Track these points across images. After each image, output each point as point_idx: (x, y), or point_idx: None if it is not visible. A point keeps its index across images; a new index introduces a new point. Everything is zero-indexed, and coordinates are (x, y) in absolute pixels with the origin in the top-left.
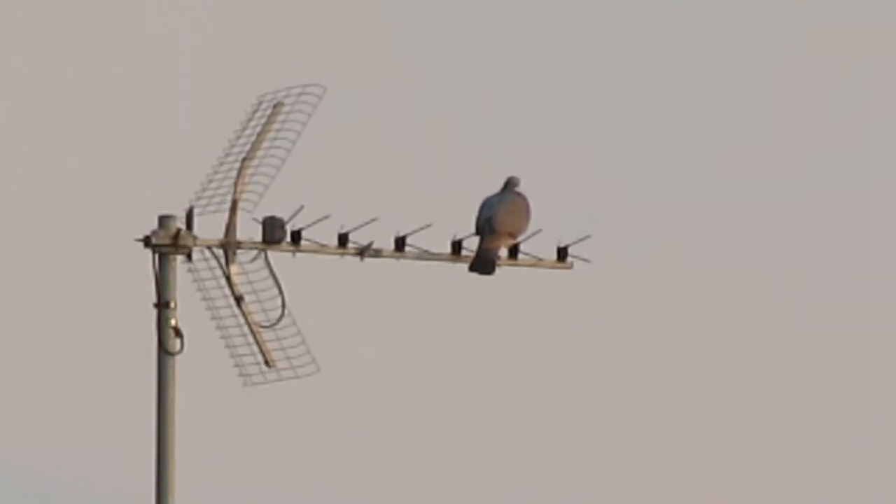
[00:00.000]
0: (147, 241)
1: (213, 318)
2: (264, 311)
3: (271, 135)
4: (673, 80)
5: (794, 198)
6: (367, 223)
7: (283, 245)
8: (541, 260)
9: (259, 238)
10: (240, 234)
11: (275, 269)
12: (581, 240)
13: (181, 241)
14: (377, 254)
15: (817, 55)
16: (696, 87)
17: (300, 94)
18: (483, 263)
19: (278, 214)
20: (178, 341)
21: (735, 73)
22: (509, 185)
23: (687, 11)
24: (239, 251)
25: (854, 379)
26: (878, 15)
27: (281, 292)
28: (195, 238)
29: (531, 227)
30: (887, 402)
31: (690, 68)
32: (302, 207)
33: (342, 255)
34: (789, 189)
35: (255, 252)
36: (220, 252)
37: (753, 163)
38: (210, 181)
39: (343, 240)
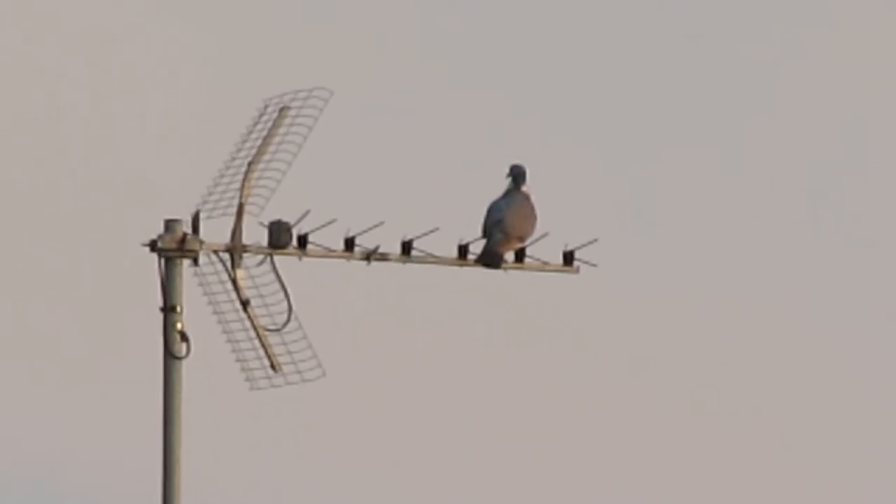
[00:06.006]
0: (153, 246)
1: (220, 322)
2: (270, 315)
3: (277, 139)
4: (681, 85)
5: (800, 202)
6: (373, 227)
7: (290, 249)
8: (547, 264)
9: (265, 242)
10: (246, 239)
11: (281, 273)
12: (588, 244)
13: (187, 246)
14: (383, 258)
15: (817, 55)
16: (705, 94)
17: (306, 97)
18: (489, 256)
19: (284, 218)
20: (184, 345)
21: (737, 80)
22: (516, 178)
23: (691, 19)
24: (245, 255)
25: (861, 386)
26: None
27: (287, 296)
28: (201, 242)
29: (537, 230)
30: (888, 405)
31: (697, 74)
32: (308, 212)
33: (348, 259)
34: (795, 192)
35: (261, 256)
36: (226, 256)
37: (761, 167)
38: (216, 185)
39: (349, 244)
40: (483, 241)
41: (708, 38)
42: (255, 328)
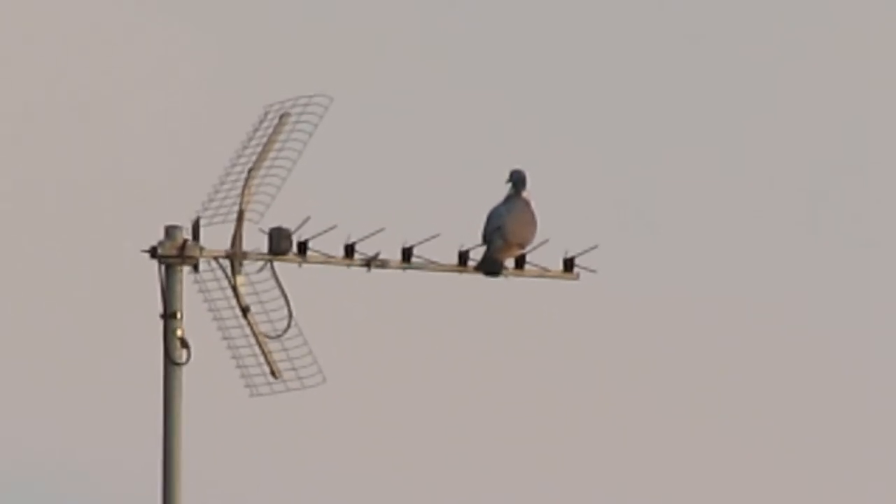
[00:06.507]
0: (153, 252)
1: (220, 328)
2: (270, 321)
3: (278, 145)
4: (681, 86)
5: (800, 202)
6: (373, 234)
7: (290, 256)
8: (547, 270)
9: (265, 249)
10: (246, 245)
11: (281, 279)
12: (588, 250)
13: (188, 252)
14: (384, 264)
15: (817, 55)
16: (705, 94)
17: (306, 104)
18: (489, 264)
19: (285, 225)
20: (184, 352)
21: (737, 80)
22: (517, 184)
23: (691, 19)
24: (245, 262)
25: (862, 388)
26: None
27: (287, 303)
28: (202, 249)
29: (537, 237)
30: (888, 406)
31: (697, 74)
32: (308, 218)
33: (349, 265)
34: (795, 192)
35: (261, 263)
36: (226, 263)
37: (761, 167)
38: (216, 192)
39: (349, 250)
40: (483, 248)
41: (708, 38)
42: (255, 335)
